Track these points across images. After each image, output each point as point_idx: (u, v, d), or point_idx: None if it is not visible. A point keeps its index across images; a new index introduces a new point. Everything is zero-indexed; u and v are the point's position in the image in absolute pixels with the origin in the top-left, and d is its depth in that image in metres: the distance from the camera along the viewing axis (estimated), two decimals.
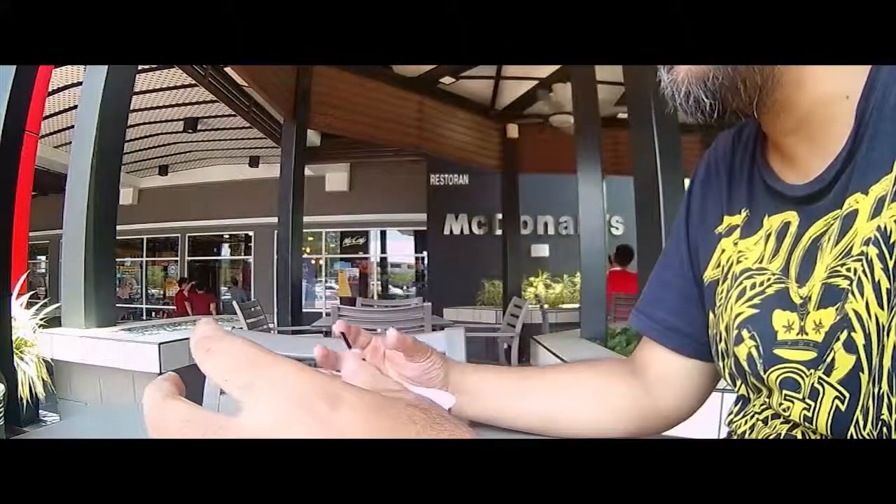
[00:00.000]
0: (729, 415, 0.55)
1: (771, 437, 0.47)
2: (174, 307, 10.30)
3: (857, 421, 0.38)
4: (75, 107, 3.53)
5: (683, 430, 0.61)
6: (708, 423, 0.69)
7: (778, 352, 0.44)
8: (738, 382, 0.51)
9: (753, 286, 0.48)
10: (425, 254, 9.52)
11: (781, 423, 0.46)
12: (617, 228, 8.18)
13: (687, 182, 0.62)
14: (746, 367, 0.47)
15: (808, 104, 0.43)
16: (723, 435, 0.57)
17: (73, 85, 5.87)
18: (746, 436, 0.50)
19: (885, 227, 0.36)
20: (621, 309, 4.07)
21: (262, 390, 0.21)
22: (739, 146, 0.55)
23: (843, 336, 0.38)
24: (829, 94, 0.42)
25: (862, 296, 0.37)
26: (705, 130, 0.47)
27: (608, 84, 4.79)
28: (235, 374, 0.21)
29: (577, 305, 4.76)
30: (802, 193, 0.45)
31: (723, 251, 0.54)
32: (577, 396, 0.61)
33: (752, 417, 0.50)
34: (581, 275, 3.57)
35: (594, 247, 3.36)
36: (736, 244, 0.52)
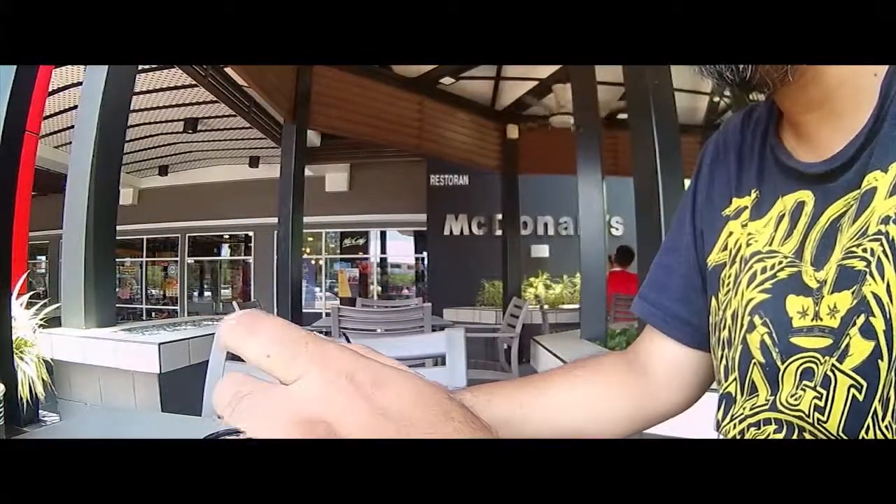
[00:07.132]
0: (716, 419, 0.52)
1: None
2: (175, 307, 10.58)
3: (875, 411, 0.35)
4: (75, 107, 3.53)
5: (682, 431, 0.61)
6: (707, 424, 0.69)
7: (794, 340, 0.42)
8: (732, 376, 0.48)
9: (764, 270, 0.46)
10: (425, 254, 9.52)
11: (775, 430, 0.44)
12: (617, 229, 8.18)
13: (687, 182, 0.61)
14: (760, 357, 0.45)
15: (837, 77, 0.41)
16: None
17: (73, 85, 5.87)
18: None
19: None
20: (621, 309, 4.07)
21: (308, 363, 0.21)
22: (749, 127, 0.53)
23: (860, 321, 0.36)
24: (859, 68, 0.40)
25: (882, 278, 0.35)
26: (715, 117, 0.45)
27: (608, 84, 4.79)
28: (281, 347, 0.21)
29: (577, 306, 4.76)
30: (819, 171, 0.43)
31: (730, 234, 0.52)
32: (577, 415, 0.59)
33: (741, 422, 0.47)
34: (581, 275, 3.57)
35: (594, 247, 3.36)
36: (745, 226, 0.50)
